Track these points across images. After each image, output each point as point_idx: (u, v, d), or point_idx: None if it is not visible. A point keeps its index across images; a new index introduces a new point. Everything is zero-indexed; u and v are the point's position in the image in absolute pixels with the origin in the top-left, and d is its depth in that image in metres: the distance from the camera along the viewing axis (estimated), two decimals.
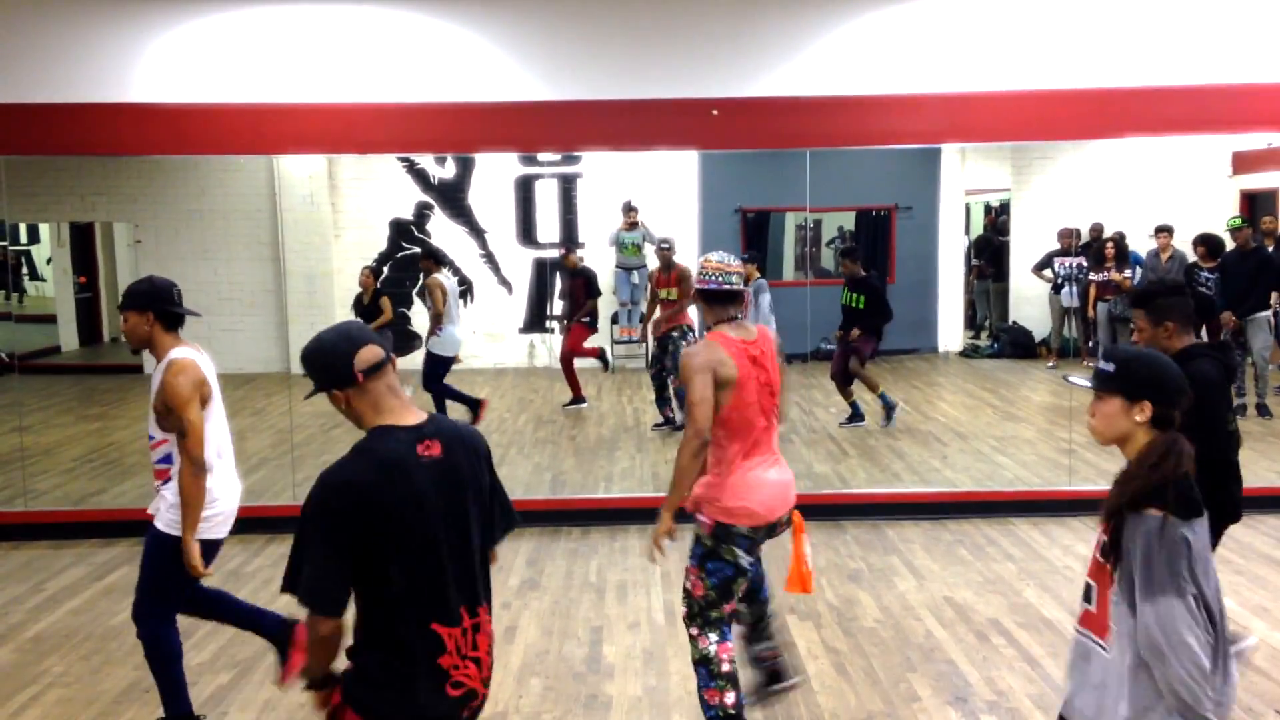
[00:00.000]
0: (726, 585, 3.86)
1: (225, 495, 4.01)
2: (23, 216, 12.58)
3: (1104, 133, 7.05)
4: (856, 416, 9.13)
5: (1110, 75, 6.69)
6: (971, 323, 13.16)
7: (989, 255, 13.02)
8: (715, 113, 6.70)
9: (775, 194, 11.64)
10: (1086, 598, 2.63)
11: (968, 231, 13.24)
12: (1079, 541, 6.38)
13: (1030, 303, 11.95)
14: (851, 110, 6.77)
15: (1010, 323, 12.30)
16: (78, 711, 4.48)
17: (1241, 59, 6.70)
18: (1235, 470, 3.93)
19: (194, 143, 6.89)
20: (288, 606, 4.96)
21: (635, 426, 9.55)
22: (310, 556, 2.35)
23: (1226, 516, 3.84)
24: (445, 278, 9.28)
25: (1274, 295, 9.14)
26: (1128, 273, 10.46)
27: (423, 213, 12.55)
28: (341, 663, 2.53)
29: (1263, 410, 9.04)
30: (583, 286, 10.09)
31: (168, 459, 3.95)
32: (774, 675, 4.17)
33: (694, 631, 3.91)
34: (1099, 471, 7.49)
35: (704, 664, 3.88)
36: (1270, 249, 9.31)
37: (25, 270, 14.12)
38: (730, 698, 3.86)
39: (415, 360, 10.51)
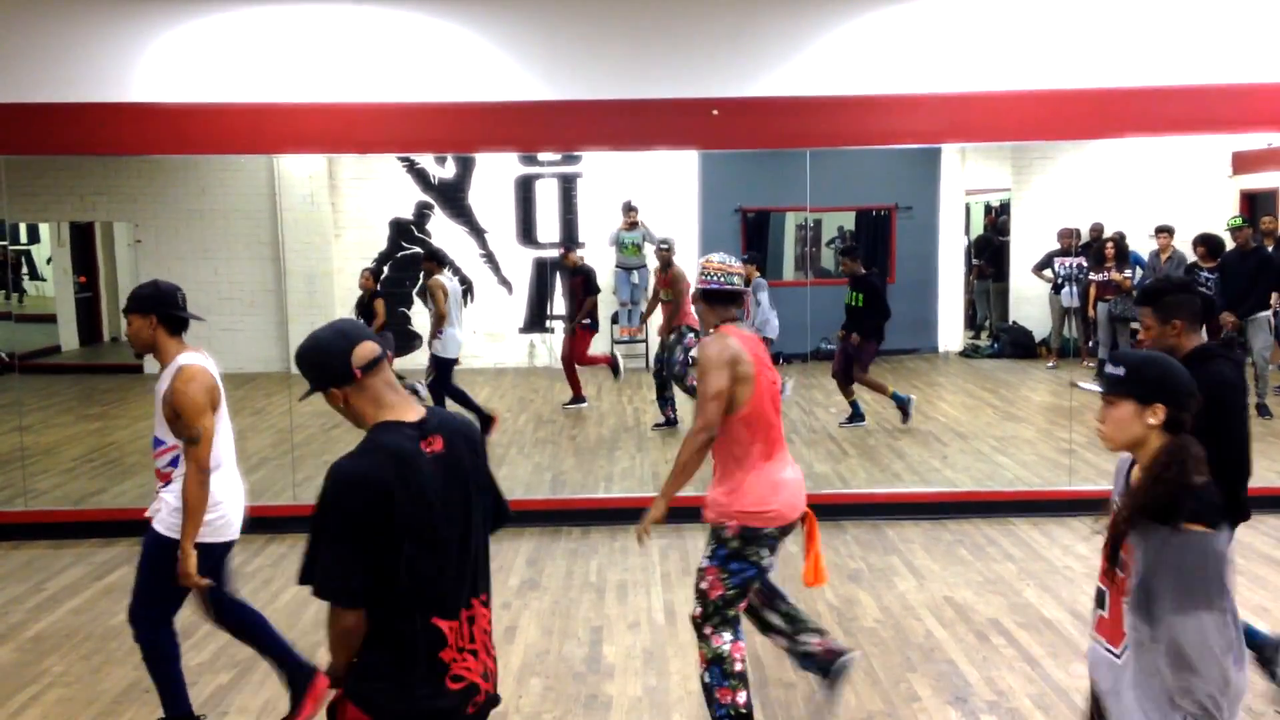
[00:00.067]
0: (746, 586, 3.86)
1: (227, 498, 3.99)
2: (23, 216, 12.59)
3: (1104, 133, 7.04)
4: (857, 416, 9.13)
5: (1110, 75, 6.69)
6: (972, 323, 13.16)
7: (989, 255, 13.02)
8: (715, 112, 6.70)
9: (775, 194, 11.64)
10: (1100, 603, 2.62)
11: (968, 231, 13.25)
12: (1079, 541, 6.38)
13: (1030, 303, 11.95)
14: (851, 110, 6.78)
15: (1010, 323, 12.30)
16: (78, 711, 4.48)
17: (1241, 59, 6.70)
18: (1247, 470, 3.91)
19: (194, 142, 6.89)
20: (288, 606, 4.96)
21: (636, 426, 9.55)
22: (326, 551, 2.35)
23: (1240, 516, 3.84)
24: (447, 279, 9.28)
25: (1274, 295, 9.15)
26: (1128, 273, 10.47)
27: (423, 212, 12.56)
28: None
29: (1263, 410, 9.04)
30: (581, 285, 10.09)
31: (175, 463, 3.94)
32: (829, 659, 4.09)
33: (708, 630, 3.89)
34: (1099, 471, 7.49)
35: (717, 663, 3.87)
36: (1270, 249, 9.32)
37: (25, 270, 14.13)
38: (742, 697, 3.86)
39: (415, 360, 10.53)
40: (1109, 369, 2.60)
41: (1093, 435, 8.35)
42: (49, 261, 13.63)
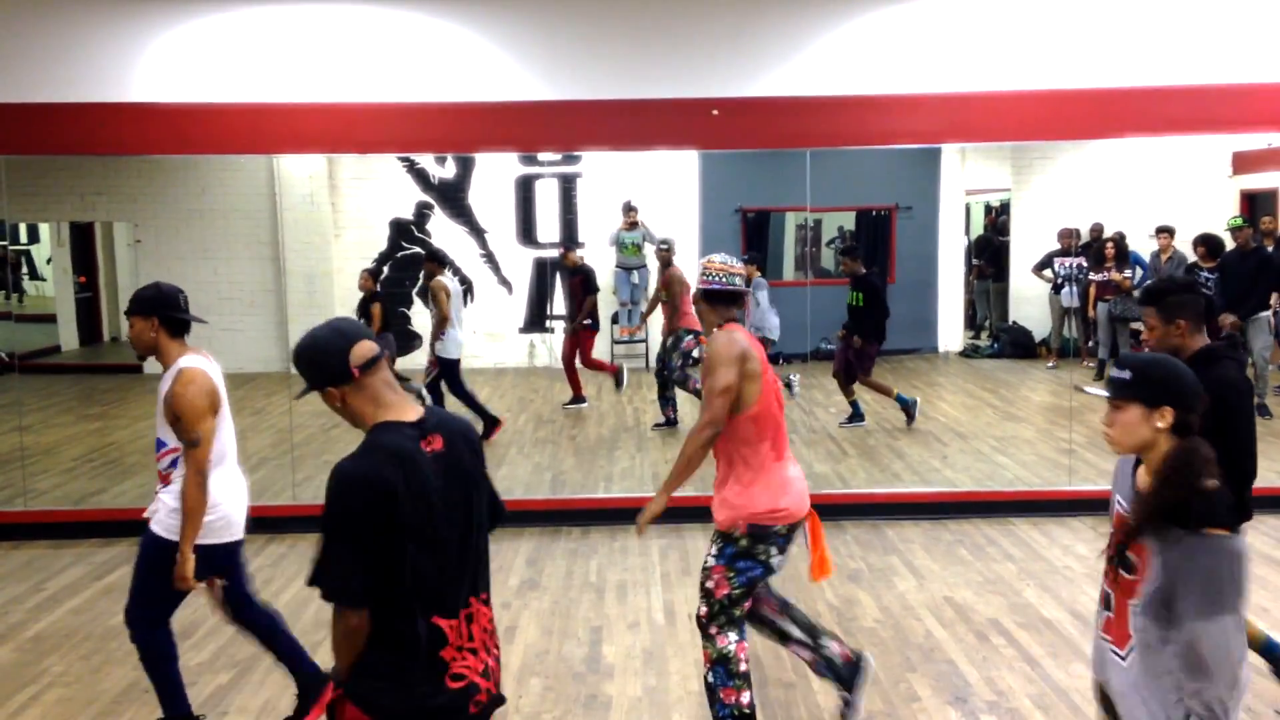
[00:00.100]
0: (752, 585, 3.85)
1: (226, 499, 3.98)
2: (23, 216, 12.59)
3: (1104, 133, 7.04)
4: (857, 416, 9.13)
5: (1110, 75, 6.69)
6: (971, 323, 13.16)
7: (989, 255, 13.02)
8: (715, 112, 6.71)
9: (775, 194, 11.64)
10: (1106, 605, 2.62)
11: (968, 231, 13.24)
12: (1079, 541, 6.38)
13: (1030, 303, 11.95)
14: (852, 110, 6.78)
15: (1010, 323, 12.30)
16: (77, 711, 4.48)
17: (1241, 59, 6.71)
18: (1253, 471, 3.90)
19: (194, 142, 6.89)
20: (288, 606, 4.96)
21: (635, 426, 9.55)
22: (332, 552, 2.36)
23: (1243, 517, 3.84)
24: (448, 279, 9.28)
25: (1274, 295, 9.14)
26: (1127, 273, 10.47)
27: (423, 212, 12.55)
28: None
29: (1262, 410, 9.04)
30: (581, 285, 10.07)
31: (175, 464, 3.94)
32: (849, 663, 4.07)
33: (714, 630, 3.88)
34: (1099, 471, 7.49)
35: (723, 663, 3.86)
36: (1270, 249, 9.32)
37: (25, 270, 14.12)
38: (746, 697, 3.86)
39: (415, 360, 10.53)
40: (1115, 372, 2.58)
41: (1093, 435, 8.37)
42: (49, 261, 13.62)
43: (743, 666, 3.86)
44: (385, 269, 12.11)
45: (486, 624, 2.54)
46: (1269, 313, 9.12)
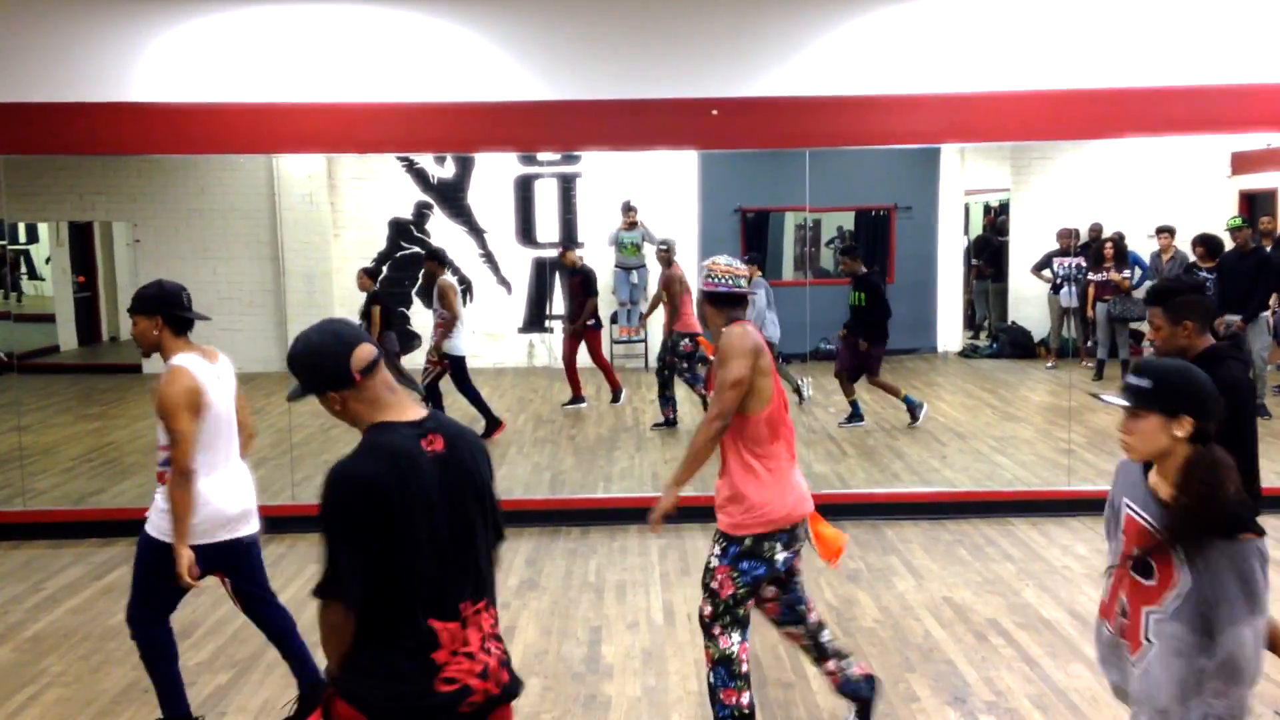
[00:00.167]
0: (756, 584, 3.83)
1: (217, 498, 3.94)
2: (22, 216, 12.58)
3: (1103, 133, 7.05)
4: (856, 416, 9.13)
5: (1109, 75, 6.70)
6: (971, 323, 13.17)
7: (988, 255, 13.03)
8: (715, 112, 6.71)
9: (775, 194, 11.64)
10: (1123, 612, 2.63)
11: (967, 231, 13.25)
12: (1078, 541, 6.38)
13: (1029, 303, 11.95)
14: (851, 110, 6.78)
15: (1009, 323, 12.31)
16: (76, 711, 4.48)
17: (1241, 59, 6.71)
18: (1256, 471, 3.90)
19: (193, 142, 6.89)
20: (287, 605, 4.96)
21: (635, 426, 9.55)
22: (329, 552, 2.36)
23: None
24: (451, 278, 9.29)
25: (1274, 296, 9.15)
26: (1126, 273, 10.48)
27: (422, 212, 12.56)
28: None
29: (1262, 411, 9.05)
30: (580, 285, 10.07)
31: (168, 464, 3.95)
32: (865, 680, 4.08)
33: (717, 630, 3.86)
34: (1098, 472, 7.49)
35: (724, 663, 3.85)
36: (1269, 249, 9.32)
37: (24, 269, 14.11)
38: (746, 698, 3.85)
39: (414, 360, 10.52)
40: (1134, 380, 2.55)
41: (1092, 435, 8.37)
42: (48, 261, 13.62)
43: (744, 668, 3.85)
44: (384, 269, 12.11)
45: (489, 629, 2.51)
46: (1266, 313, 9.13)
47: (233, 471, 4.06)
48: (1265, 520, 6.55)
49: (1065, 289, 11.04)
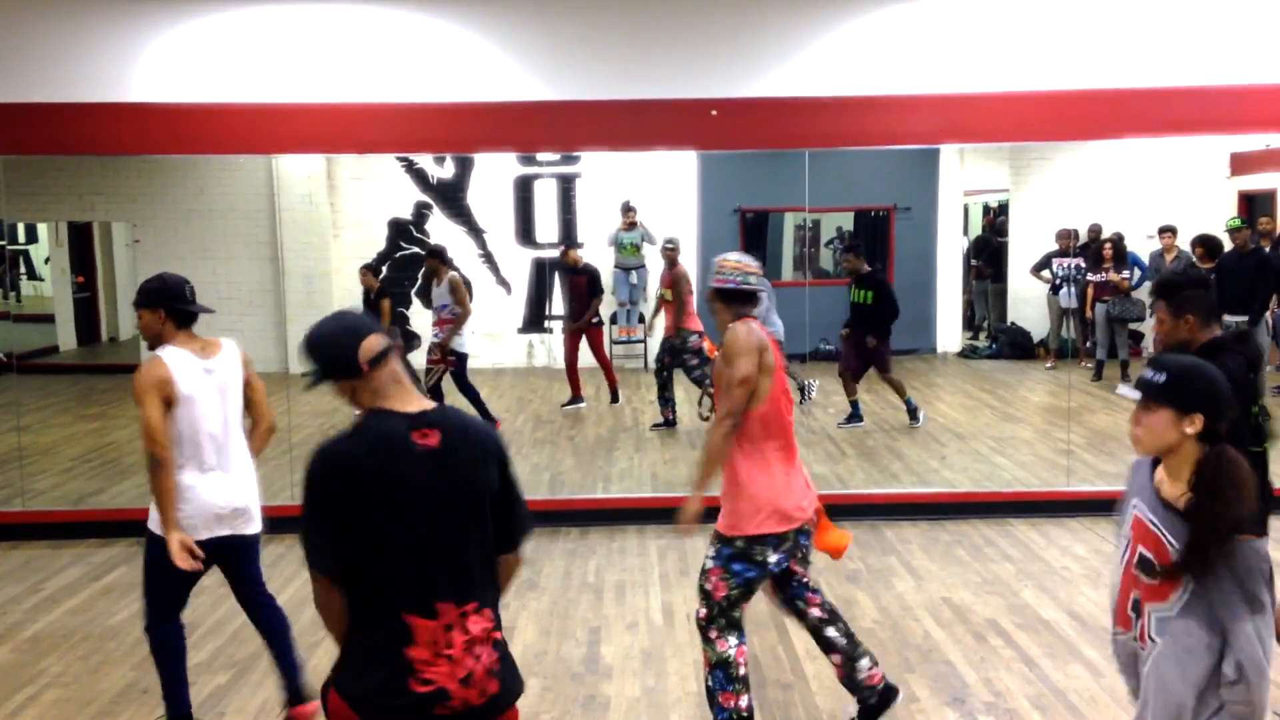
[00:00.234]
0: (749, 586, 3.83)
1: (197, 498, 3.93)
2: (21, 216, 12.57)
3: (1102, 133, 7.05)
4: (855, 417, 9.14)
5: (1108, 76, 6.70)
6: (970, 323, 13.17)
7: (987, 256, 13.03)
8: (714, 113, 6.70)
9: (774, 194, 11.65)
10: (1135, 609, 2.64)
11: (966, 232, 13.25)
12: (1077, 542, 6.38)
13: (1028, 303, 11.96)
14: (850, 111, 6.78)
15: (1008, 323, 12.31)
16: (75, 712, 4.48)
17: (1240, 60, 6.71)
18: (1260, 463, 3.88)
19: (193, 142, 6.89)
20: (286, 605, 4.95)
21: (634, 427, 9.55)
22: (304, 519, 2.41)
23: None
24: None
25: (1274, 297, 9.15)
26: (1125, 274, 10.48)
27: (421, 212, 12.56)
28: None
29: (1262, 412, 9.04)
30: (586, 284, 10.05)
31: None
32: (885, 694, 4.06)
33: (713, 634, 3.86)
34: (1097, 472, 7.50)
35: (722, 667, 3.85)
36: (1268, 249, 9.33)
37: (23, 270, 14.11)
38: (744, 701, 3.85)
39: (415, 361, 10.52)
40: (1149, 374, 2.56)
41: (1091, 436, 8.38)
42: (47, 261, 13.61)
43: (742, 670, 3.85)
44: (384, 269, 12.11)
45: (479, 634, 2.44)
46: (1265, 313, 9.13)
47: (229, 467, 4.03)
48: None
49: (1064, 290, 11.05)
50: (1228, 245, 9.23)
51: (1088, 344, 11.11)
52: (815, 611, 4.04)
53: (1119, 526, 2.82)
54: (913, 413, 9.09)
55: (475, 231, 12.59)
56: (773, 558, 3.79)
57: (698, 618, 3.90)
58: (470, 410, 8.79)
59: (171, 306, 3.93)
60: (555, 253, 12.16)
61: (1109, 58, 6.72)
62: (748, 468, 3.78)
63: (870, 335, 8.96)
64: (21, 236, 13.83)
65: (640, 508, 7.00)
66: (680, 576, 5.91)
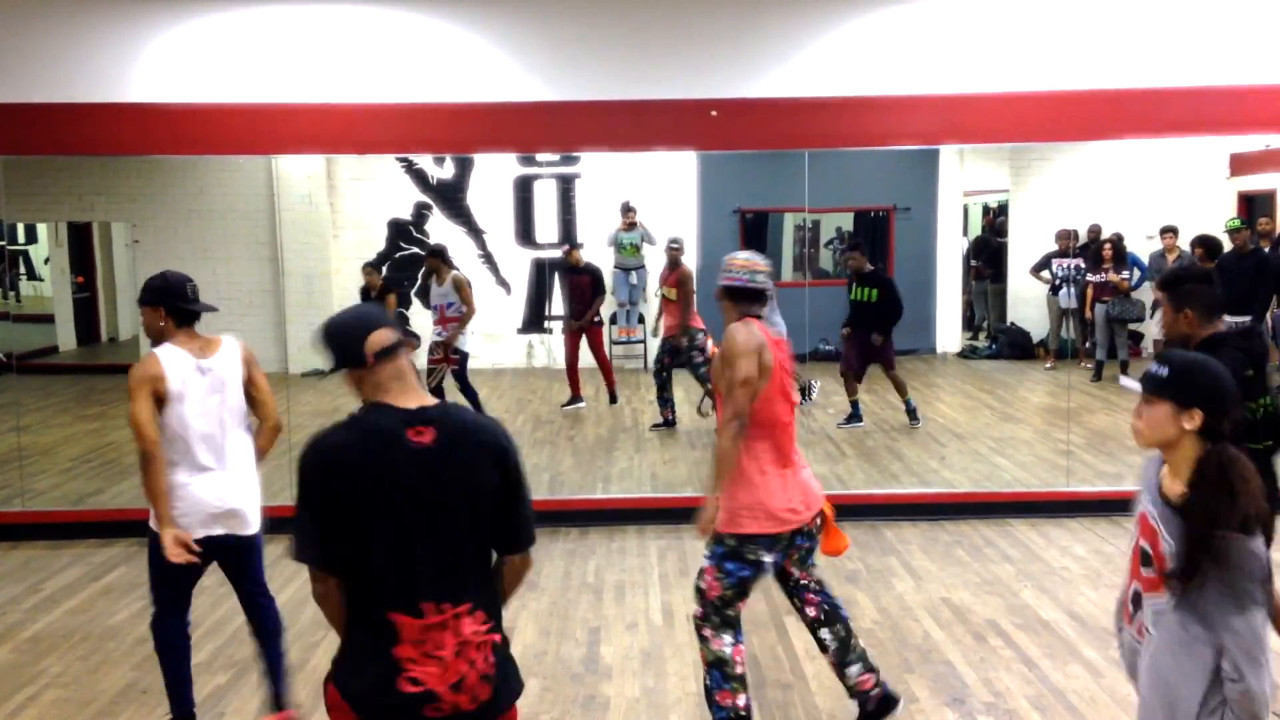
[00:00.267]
0: (743, 585, 3.83)
1: (197, 493, 3.93)
2: (21, 216, 12.56)
3: (1102, 134, 7.05)
4: (855, 417, 9.14)
5: (1108, 77, 6.70)
6: (969, 323, 13.16)
7: (987, 256, 13.03)
8: (714, 113, 6.71)
9: (774, 195, 11.64)
10: (1135, 602, 2.64)
11: (966, 232, 13.24)
12: (1076, 543, 6.38)
13: (1028, 304, 11.95)
14: (850, 111, 6.78)
15: (1008, 324, 12.30)
16: (75, 712, 4.48)
17: (1239, 61, 6.71)
18: (1262, 460, 3.87)
19: (193, 143, 6.89)
20: (285, 605, 4.95)
21: (634, 427, 9.55)
22: (296, 515, 2.43)
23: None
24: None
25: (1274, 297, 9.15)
26: (1125, 274, 10.48)
27: (421, 213, 12.55)
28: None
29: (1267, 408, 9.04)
30: (590, 284, 10.06)
31: None
32: (883, 702, 4.03)
33: (708, 633, 3.86)
34: (1096, 473, 7.50)
35: (718, 666, 3.86)
36: (1267, 250, 9.32)
37: (23, 270, 14.10)
38: (742, 700, 3.85)
39: (417, 361, 10.52)
40: (1153, 367, 2.59)
41: (1090, 437, 8.38)
42: (46, 261, 13.61)
43: (738, 669, 3.85)
44: (384, 269, 12.11)
45: (471, 636, 2.41)
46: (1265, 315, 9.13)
47: (225, 467, 4.00)
48: None
49: (1064, 290, 11.04)
50: (1227, 246, 9.23)
51: (1087, 344, 11.11)
52: (811, 611, 4.05)
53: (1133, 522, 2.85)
54: (912, 413, 9.10)
55: (475, 232, 12.58)
56: (767, 558, 3.79)
57: (694, 616, 3.91)
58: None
59: (171, 305, 3.94)
60: (554, 253, 12.16)
61: (1108, 58, 6.72)
62: (740, 467, 3.79)
63: (876, 332, 8.97)
64: (21, 237, 13.83)
65: (640, 508, 7.00)
66: (680, 577, 5.91)
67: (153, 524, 3.95)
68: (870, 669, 4.05)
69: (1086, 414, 9.13)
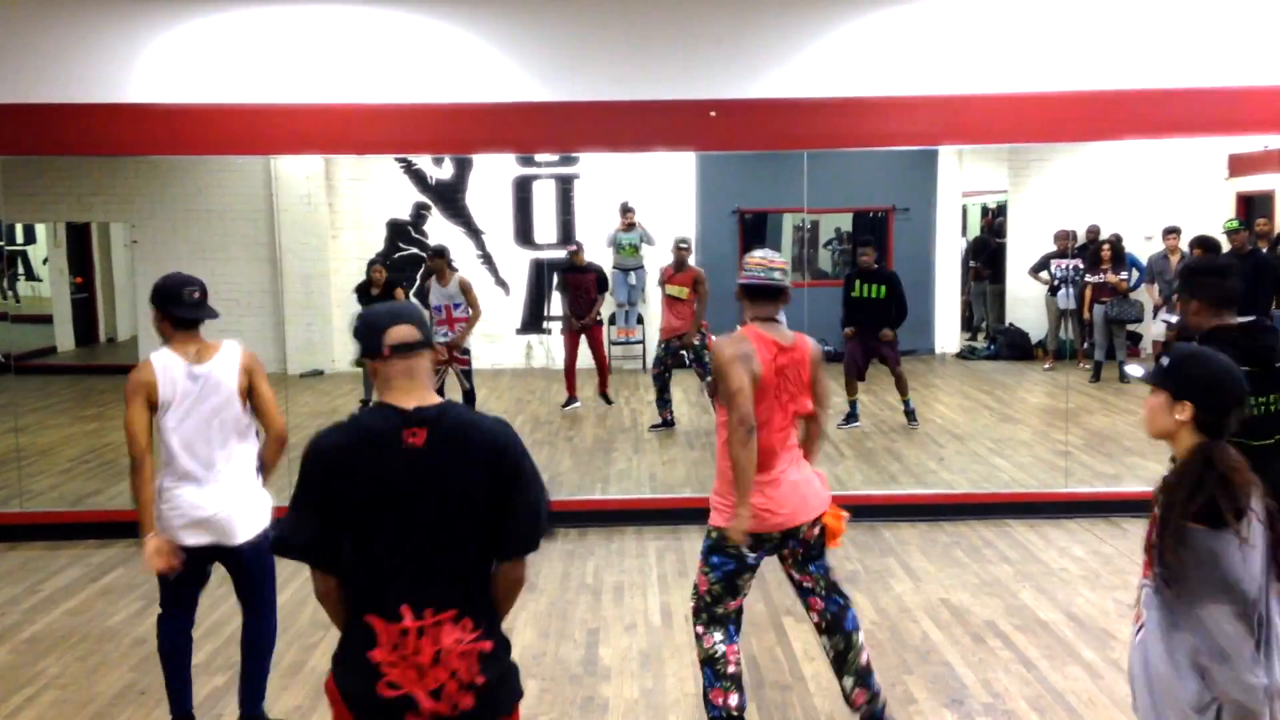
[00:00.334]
0: (730, 580, 3.84)
1: (184, 501, 3.90)
2: (19, 216, 12.55)
3: (1101, 135, 7.06)
4: (852, 417, 9.13)
5: (1107, 78, 6.70)
6: (968, 324, 13.16)
7: (986, 257, 13.03)
8: (713, 114, 6.71)
9: (773, 195, 11.64)
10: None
11: (964, 233, 13.25)
12: (1075, 543, 6.38)
13: (1027, 304, 11.96)
14: (849, 112, 6.78)
15: (1007, 324, 12.31)
16: (73, 713, 4.47)
17: (1238, 62, 6.72)
18: (1263, 458, 3.86)
19: (191, 143, 6.89)
20: (284, 606, 4.94)
21: (633, 428, 9.55)
22: (290, 509, 2.46)
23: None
24: None
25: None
26: (1124, 275, 10.48)
27: (420, 213, 12.55)
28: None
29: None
30: (595, 282, 10.06)
31: None
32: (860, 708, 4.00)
33: (699, 630, 3.88)
34: (1095, 474, 7.51)
35: (709, 664, 3.86)
36: (1264, 251, 9.33)
37: (21, 270, 14.09)
38: (734, 699, 3.85)
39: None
40: (1162, 358, 2.66)
41: (1089, 437, 8.39)
42: (45, 262, 13.60)
43: (730, 669, 3.84)
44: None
45: (452, 645, 2.39)
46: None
47: (212, 475, 3.93)
48: None
49: (1062, 291, 11.05)
50: (1226, 247, 9.22)
51: (1085, 345, 11.12)
52: (814, 617, 4.05)
53: None
54: (910, 414, 9.10)
55: (474, 232, 12.58)
56: (749, 554, 3.80)
57: (691, 610, 3.94)
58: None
59: (165, 308, 3.92)
60: (553, 254, 12.16)
61: (1107, 59, 6.72)
62: (726, 465, 3.82)
63: (888, 328, 8.98)
64: (20, 237, 13.82)
65: (638, 509, 7.00)
66: (679, 578, 5.91)
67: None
68: (864, 686, 3.96)
69: (1085, 415, 9.13)
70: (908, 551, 6.32)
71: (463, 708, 2.39)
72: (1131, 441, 8.29)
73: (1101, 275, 10.58)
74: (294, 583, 5.74)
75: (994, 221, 13.68)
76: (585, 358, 10.25)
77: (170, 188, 11.87)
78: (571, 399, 10.15)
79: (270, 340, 10.64)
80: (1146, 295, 10.52)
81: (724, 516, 3.82)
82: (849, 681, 3.99)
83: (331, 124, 6.75)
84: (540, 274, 12.54)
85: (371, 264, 10.15)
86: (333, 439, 2.44)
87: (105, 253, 13.67)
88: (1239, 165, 10.62)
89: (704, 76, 6.73)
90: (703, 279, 9.11)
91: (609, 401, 10.21)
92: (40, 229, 13.41)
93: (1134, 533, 6.21)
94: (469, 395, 9.01)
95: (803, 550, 3.91)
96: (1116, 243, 10.73)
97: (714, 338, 8.76)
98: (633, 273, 11.71)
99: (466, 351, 8.99)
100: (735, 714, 3.84)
